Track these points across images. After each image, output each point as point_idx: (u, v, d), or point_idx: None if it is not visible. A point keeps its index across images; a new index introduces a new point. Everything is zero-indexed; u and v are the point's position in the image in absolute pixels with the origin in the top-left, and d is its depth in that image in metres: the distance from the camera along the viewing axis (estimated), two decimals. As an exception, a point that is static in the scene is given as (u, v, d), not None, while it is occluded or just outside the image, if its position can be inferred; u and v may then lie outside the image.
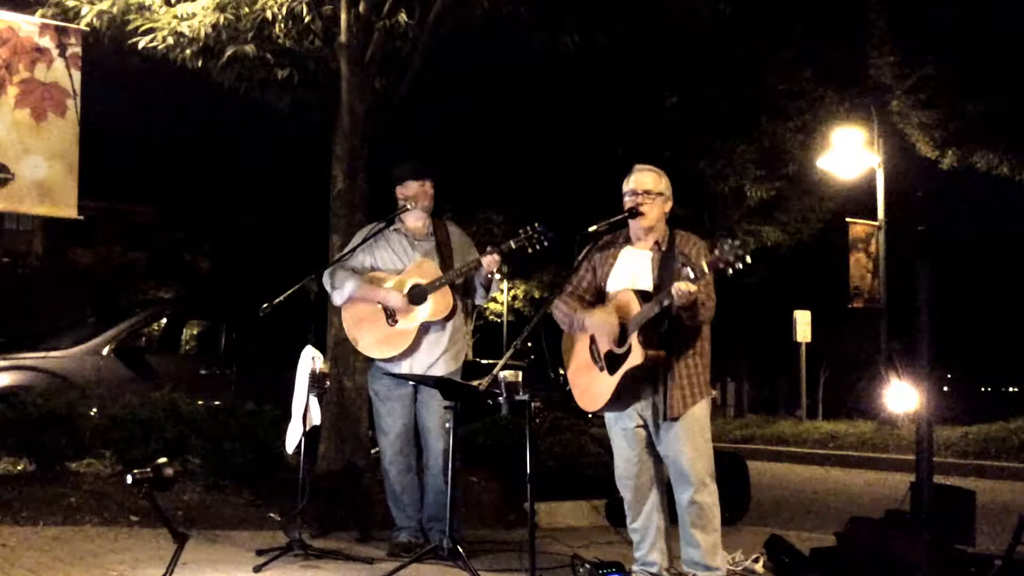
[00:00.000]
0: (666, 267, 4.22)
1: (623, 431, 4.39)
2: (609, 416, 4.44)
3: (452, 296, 5.05)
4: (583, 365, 4.38)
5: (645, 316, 4.13)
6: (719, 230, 16.63)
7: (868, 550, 4.68)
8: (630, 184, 4.39)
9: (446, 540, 4.53)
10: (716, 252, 3.87)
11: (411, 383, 5.06)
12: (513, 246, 4.92)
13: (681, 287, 3.93)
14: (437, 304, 5.03)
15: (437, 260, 5.12)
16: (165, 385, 6.73)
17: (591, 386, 4.33)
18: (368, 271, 5.20)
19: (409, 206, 5.19)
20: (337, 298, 5.21)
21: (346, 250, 5.31)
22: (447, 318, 5.06)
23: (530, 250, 4.90)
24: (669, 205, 4.41)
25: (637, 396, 4.29)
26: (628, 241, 4.45)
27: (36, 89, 6.39)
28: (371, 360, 5.30)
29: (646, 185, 4.35)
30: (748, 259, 3.82)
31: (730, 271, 3.81)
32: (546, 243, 4.86)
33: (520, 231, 4.90)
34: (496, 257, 4.96)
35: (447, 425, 4.71)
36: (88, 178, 6.70)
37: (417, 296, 5.04)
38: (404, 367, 5.06)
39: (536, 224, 4.88)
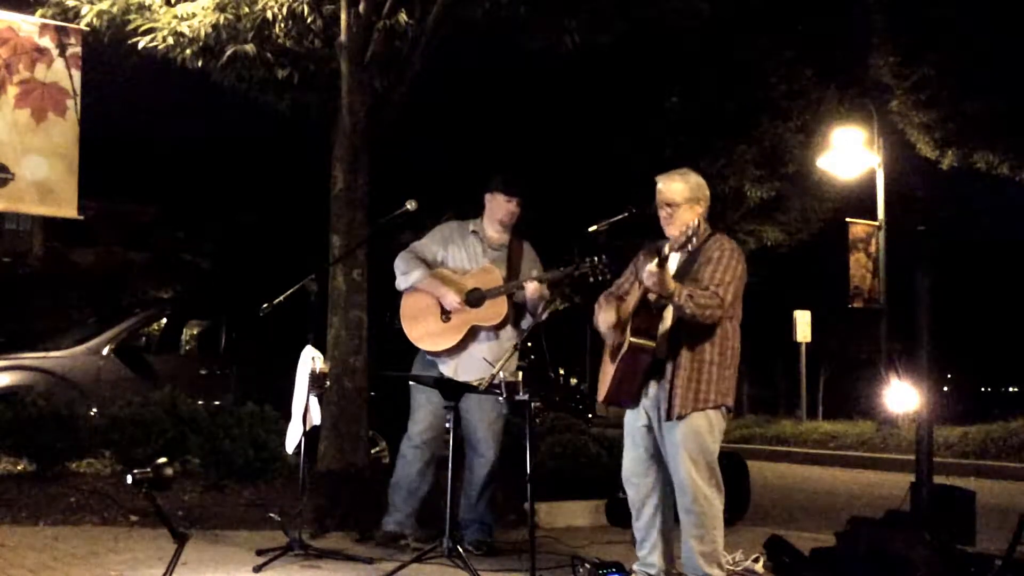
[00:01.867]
0: (684, 269, 4.23)
1: (631, 428, 4.42)
2: (627, 413, 4.47)
3: (508, 306, 5.07)
4: (607, 356, 4.45)
5: (629, 306, 4.23)
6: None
7: (868, 550, 4.68)
8: (658, 194, 4.39)
9: (446, 540, 4.53)
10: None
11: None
12: (576, 274, 4.87)
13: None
14: (491, 310, 5.07)
15: (504, 270, 5.16)
16: (165, 385, 6.72)
17: (604, 374, 4.42)
18: (437, 264, 5.25)
19: (410, 206, 5.22)
20: (402, 282, 5.26)
21: (423, 239, 5.35)
22: (499, 326, 5.09)
23: (591, 279, 4.81)
24: (700, 208, 4.36)
25: (644, 392, 4.30)
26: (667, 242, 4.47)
27: (36, 89, 6.39)
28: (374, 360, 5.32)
29: (670, 196, 4.35)
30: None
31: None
32: (609, 276, 4.76)
33: (587, 260, 4.81)
34: (536, 285, 5.00)
35: (447, 425, 4.71)
36: (88, 178, 6.70)
37: (475, 300, 5.08)
38: (449, 367, 5.10)
39: (603, 256, 4.79)
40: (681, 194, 4.34)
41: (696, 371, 4.19)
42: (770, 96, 16.86)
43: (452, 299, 5.09)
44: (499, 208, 5.26)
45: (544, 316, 5.20)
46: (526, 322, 5.24)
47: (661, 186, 4.38)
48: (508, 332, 5.18)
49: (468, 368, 5.07)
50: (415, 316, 5.21)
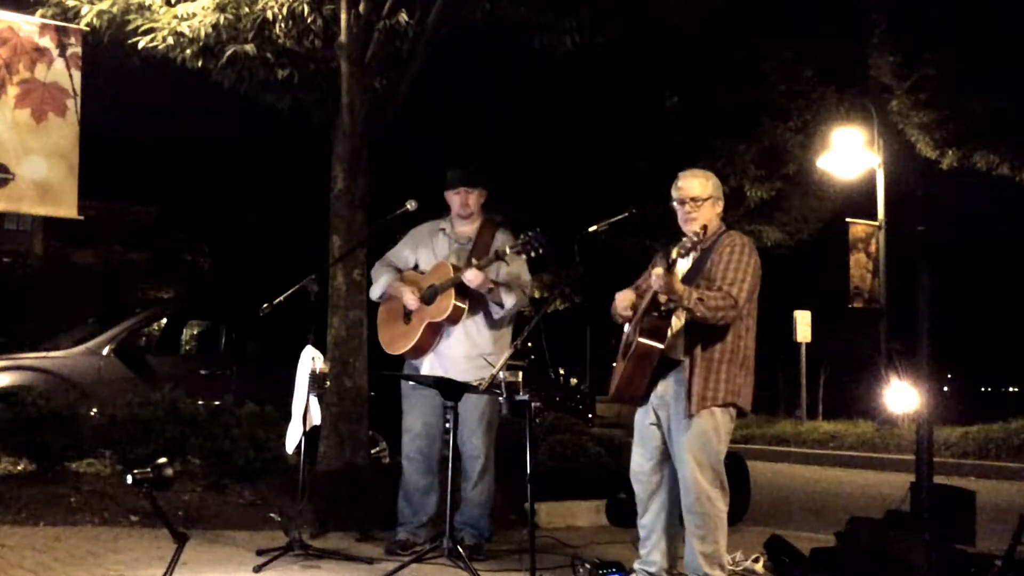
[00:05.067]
0: (697, 267, 4.23)
1: (640, 426, 4.42)
2: (636, 411, 4.46)
3: (456, 300, 5.02)
4: (620, 354, 4.46)
5: (641, 307, 4.22)
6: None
7: (868, 550, 4.69)
8: (677, 191, 4.36)
9: (446, 540, 4.53)
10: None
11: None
12: (508, 251, 4.89)
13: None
14: (439, 305, 5.05)
15: (463, 263, 5.12)
16: (165, 385, 6.72)
17: (615, 372, 4.42)
18: (410, 268, 5.27)
19: (410, 207, 5.23)
20: (374, 292, 5.34)
21: (396, 246, 5.38)
22: (452, 320, 5.05)
23: (526, 256, 4.89)
24: (720, 206, 4.37)
25: (654, 390, 4.30)
26: None
27: (36, 89, 6.38)
28: (375, 361, 5.33)
29: (693, 191, 4.32)
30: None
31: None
32: (541, 251, 4.79)
33: (520, 236, 4.87)
34: (475, 272, 4.92)
35: (447, 425, 4.71)
36: (88, 178, 6.70)
37: (429, 296, 5.08)
38: (426, 367, 5.10)
39: (536, 230, 4.83)
40: (705, 190, 4.33)
41: (706, 370, 4.18)
42: (770, 96, 16.85)
43: (409, 298, 5.10)
44: (453, 203, 5.28)
45: (511, 304, 5.07)
46: (496, 312, 5.13)
47: (683, 183, 4.35)
48: (476, 325, 5.11)
49: (440, 365, 5.05)
50: (385, 322, 5.27)
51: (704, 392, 4.17)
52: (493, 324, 5.16)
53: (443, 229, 5.31)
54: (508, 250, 4.87)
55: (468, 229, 5.28)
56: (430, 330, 5.07)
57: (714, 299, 4.08)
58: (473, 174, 5.30)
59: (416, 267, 5.29)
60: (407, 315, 5.15)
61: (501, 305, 5.10)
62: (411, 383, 5.15)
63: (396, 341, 5.17)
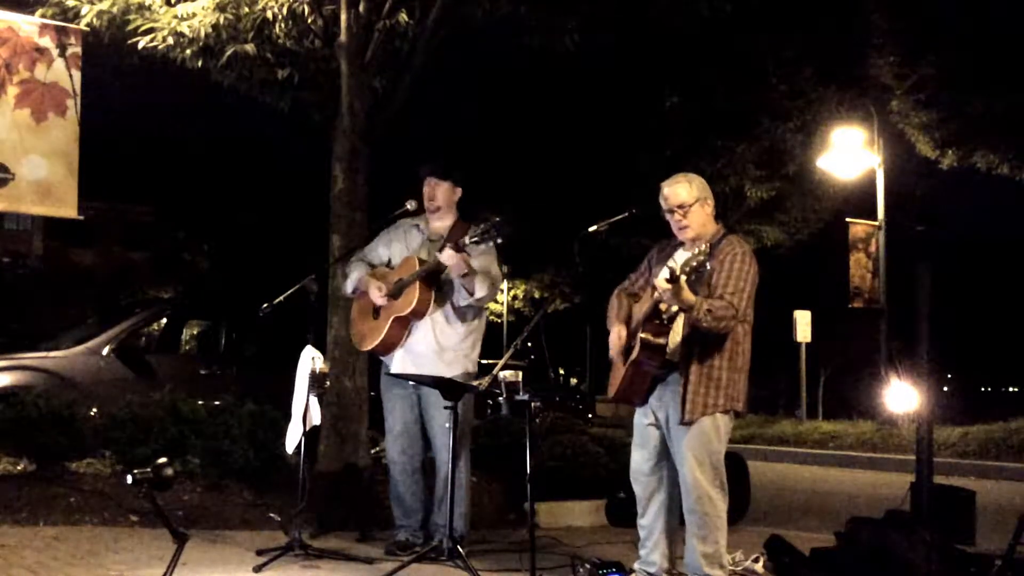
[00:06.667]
0: (699, 274, 4.21)
1: (639, 426, 4.42)
2: (635, 412, 4.46)
3: (422, 293, 4.95)
4: (619, 356, 4.44)
5: (642, 313, 4.20)
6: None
7: (868, 550, 4.69)
8: (664, 201, 4.35)
9: (446, 540, 4.53)
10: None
11: (410, 383, 5.05)
12: (467, 241, 4.78)
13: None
14: (404, 299, 4.99)
15: (431, 259, 5.10)
16: (165, 385, 6.72)
17: (615, 375, 4.42)
18: (384, 264, 5.24)
19: (409, 206, 5.21)
20: (345, 287, 5.30)
21: (371, 243, 5.37)
22: (416, 314, 4.97)
23: (494, 251, 4.83)
24: (708, 207, 4.35)
25: (653, 393, 4.31)
26: (682, 243, 4.42)
27: (36, 89, 6.39)
28: (377, 360, 5.31)
29: (679, 198, 4.30)
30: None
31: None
32: (500, 239, 4.72)
33: (481, 224, 4.76)
34: (451, 252, 4.81)
35: (447, 425, 4.70)
36: (88, 178, 6.70)
37: (396, 291, 5.04)
38: (396, 364, 5.06)
39: (495, 218, 4.75)
40: (691, 194, 4.31)
41: (707, 377, 4.18)
42: (770, 96, 16.88)
43: (374, 293, 5.05)
44: (424, 197, 5.19)
45: (482, 294, 4.97)
46: (463, 299, 5.01)
47: (668, 191, 4.34)
48: (443, 319, 5.04)
49: (411, 362, 5.01)
50: (356, 318, 5.25)
51: (705, 400, 4.17)
52: (461, 317, 5.08)
53: (417, 225, 5.26)
54: (468, 240, 4.75)
55: (440, 225, 5.20)
56: (397, 325, 5.01)
57: (720, 309, 4.08)
58: (439, 166, 5.22)
59: (389, 263, 5.25)
60: (376, 311, 5.10)
61: (472, 293, 4.96)
62: (389, 382, 5.13)
63: (366, 337, 5.14)
